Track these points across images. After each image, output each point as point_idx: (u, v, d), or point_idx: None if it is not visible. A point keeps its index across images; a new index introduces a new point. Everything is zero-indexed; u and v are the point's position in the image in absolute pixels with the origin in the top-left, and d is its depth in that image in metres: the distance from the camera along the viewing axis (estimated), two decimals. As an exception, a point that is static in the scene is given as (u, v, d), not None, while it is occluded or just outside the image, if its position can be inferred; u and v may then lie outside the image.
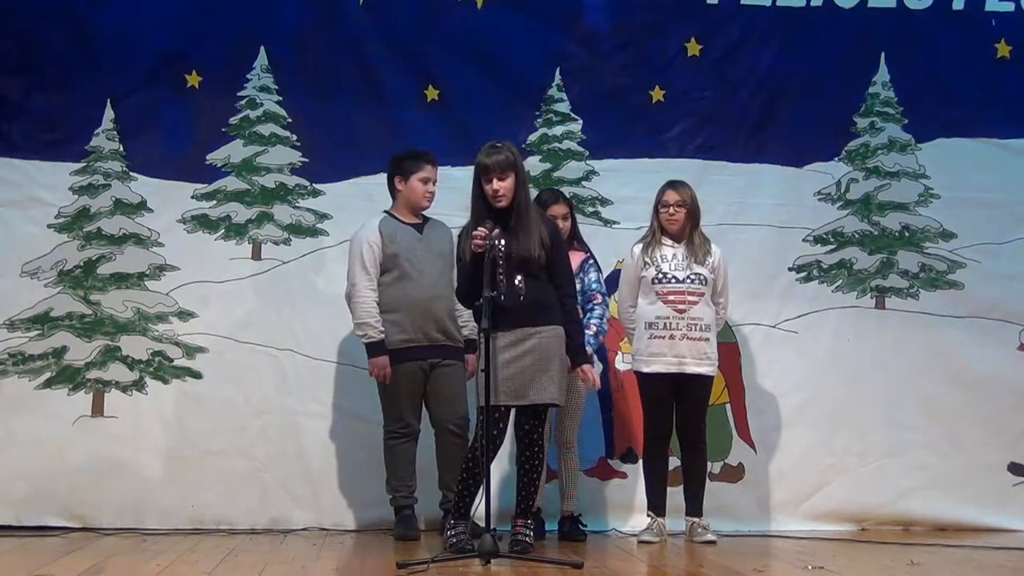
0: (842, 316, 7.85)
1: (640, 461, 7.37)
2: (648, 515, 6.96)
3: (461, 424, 6.95)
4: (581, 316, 6.61)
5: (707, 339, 6.89)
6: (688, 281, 6.87)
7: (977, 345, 7.82)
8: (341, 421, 7.50)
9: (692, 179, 7.72)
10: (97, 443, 7.36)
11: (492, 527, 5.98)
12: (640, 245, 7.00)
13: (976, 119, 7.95)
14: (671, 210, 6.92)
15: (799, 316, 7.81)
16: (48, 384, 7.40)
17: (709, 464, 7.58)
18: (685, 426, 6.94)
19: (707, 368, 6.90)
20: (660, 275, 6.88)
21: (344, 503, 7.42)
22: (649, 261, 6.92)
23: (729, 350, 7.70)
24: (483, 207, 6.19)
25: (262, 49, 7.65)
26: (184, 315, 7.48)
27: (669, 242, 6.95)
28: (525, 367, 6.15)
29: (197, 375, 7.47)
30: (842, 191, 7.92)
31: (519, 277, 6.16)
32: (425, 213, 7.11)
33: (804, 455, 7.70)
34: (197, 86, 7.62)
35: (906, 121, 7.95)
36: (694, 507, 6.96)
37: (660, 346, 6.86)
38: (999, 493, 7.71)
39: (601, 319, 6.99)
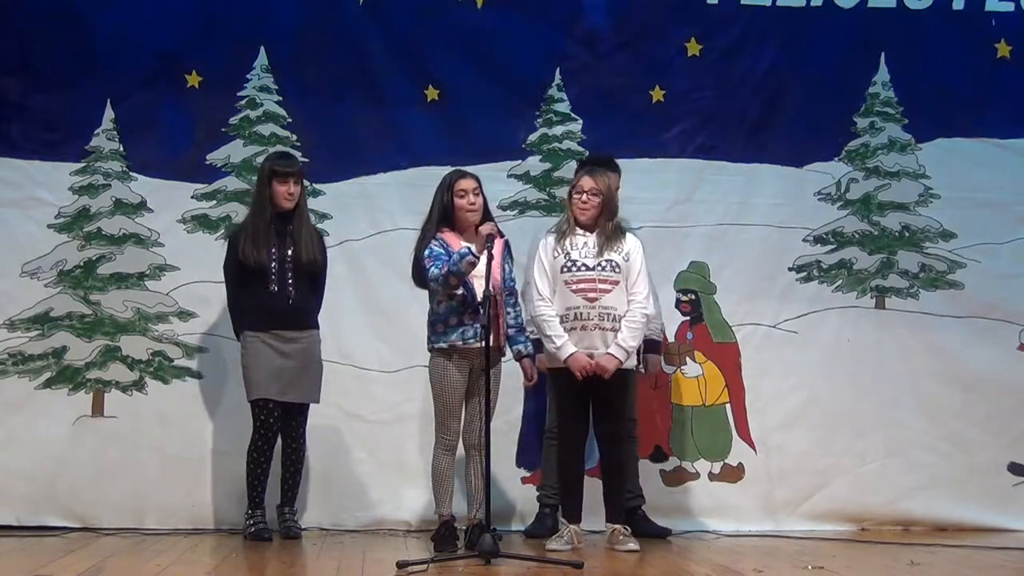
0: (842, 316, 7.84)
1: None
2: (561, 522, 6.64)
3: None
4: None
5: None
6: (599, 268, 6.43)
7: (977, 345, 7.82)
8: (341, 421, 7.49)
9: (692, 179, 7.78)
10: (97, 443, 7.36)
11: (492, 527, 6.00)
12: (553, 235, 6.59)
13: (976, 119, 7.95)
14: (584, 197, 6.48)
15: (799, 316, 7.80)
16: (48, 384, 7.39)
17: (709, 464, 7.64)
18: (602, 424, 6.53)
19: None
20: (570, 263, 6.47)
21: (344, 503, 7.40)
22: (559, 250, 6.51)
23: (729, 350, 7.72)
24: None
25: (262, 49, 7.65)
26: (184, 315, 7.47)
27: (581, 232, 6.52)
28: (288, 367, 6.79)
29: (197, 375, 7.47)
30: (842, 191, 7.92)
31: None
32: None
33: (804, 455, 7.69)
34: (197, 86, 7.62)
35: (906, 121, 7.94)
36: (614, 512, 6.55)
37: (571, 338, 6.42)
38: (999, 493, 7.71)
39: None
